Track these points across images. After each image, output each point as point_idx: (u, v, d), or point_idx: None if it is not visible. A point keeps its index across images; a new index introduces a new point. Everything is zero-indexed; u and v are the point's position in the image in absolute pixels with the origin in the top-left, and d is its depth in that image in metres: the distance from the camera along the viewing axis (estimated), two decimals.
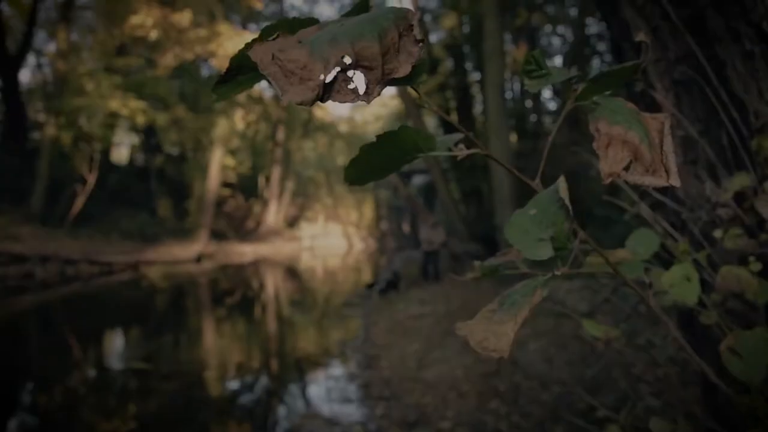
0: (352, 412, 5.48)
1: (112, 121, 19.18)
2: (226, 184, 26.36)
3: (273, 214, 28.84)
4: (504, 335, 0.58)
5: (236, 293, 14.83)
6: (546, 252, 0.62)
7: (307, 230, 31.50)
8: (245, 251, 24.49)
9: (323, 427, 5.10)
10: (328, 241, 31.28)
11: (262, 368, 7.62)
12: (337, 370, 7.16)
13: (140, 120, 19.12)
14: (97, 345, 8.83)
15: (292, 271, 21.06)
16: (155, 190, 23.68)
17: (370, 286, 11.70)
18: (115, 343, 9.20)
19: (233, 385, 6.84)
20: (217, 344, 9.12)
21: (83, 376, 6.93)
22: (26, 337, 9.26)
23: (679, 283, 1.00)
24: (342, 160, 33.43)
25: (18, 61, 19.00)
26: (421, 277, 13.73)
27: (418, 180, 37.07)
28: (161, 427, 5.35)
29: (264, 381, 7.05)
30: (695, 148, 1.74)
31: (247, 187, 30.62)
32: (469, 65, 19.75)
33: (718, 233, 1.39)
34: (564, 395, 5.10)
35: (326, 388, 6.46)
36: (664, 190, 1.85)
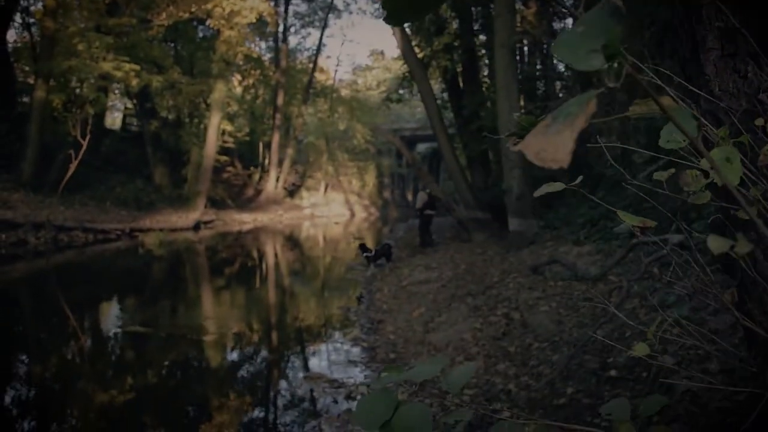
0: (356, 374, 5.35)
1: (104, 83, 18.46)
2: (224, 151, 25.74)
3: (273, 182, 28.25)
4: (562, 144, 0.55)
5: (236, 261, 14.47)
6: (598, 62, 0.57)
7: (307, 198, 30.96)
8: (245, 219, 24.04)
9: (328, 389, 4.90)
10: (330, 209, 30.77)
11: (264, 334, 7.36)
12: (341, 334, 6.96)
13: (134, 83, 18.39)
14: (94, 311, 8.49)
15: (293, 240, 20.69)
16: (151, 156, 23.07)
17: (362, 247, 11.41)
18: (114, 308, 8.80)
19: (236, 349, 6.59)
20: (218, 310, 8.78)
21: (81, 341, 6.61)
22: (24, 304, 8.94)
23: (721, 165, 0.95)
24: (343, 125, 32.69)
25: (4, 21, 18.19)
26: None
27: (421, 148, 36.45)
28: (163, 389, 5.16)
29: (266, 345, 6.81)
30: (735, 40, 1.67)
31: (246, 154, 29.99)
32: (476, 26, 18.90)
33: (759, 121, 1.30)
34: (575, 356, 4.85)
35: (330, 352, 6.29)
36: (698, 85, 1.75)
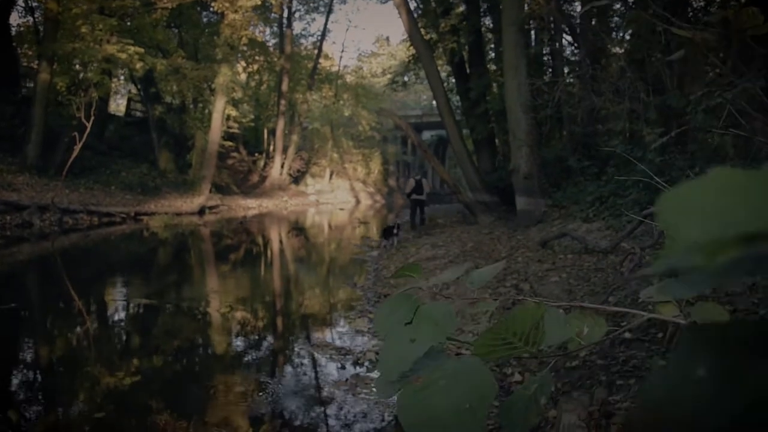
0: (363, 342, 5.29)
1: (108, 66, 18.36)
2: (229, 137, 25.61)
3: (277, 169, 28.12)
4: None
5: (243, 243, 14.43)
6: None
7: (312, 185, 30.84)
8: (249, 205, 23.98)
9: (335, 355, 4.87)
10: (335, 196, 30.66)
11: (271, 306, 7.34)
12: (348, 307, 6.89)
13: (138, 66, 18.26)
14: (100, 287, 8.41)
15: (299, 224, 20.62)
16: (155, 141, 22.98)
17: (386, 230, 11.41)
18: (120, 284, 8.71)
19: (243, 319, 6.53)
20: (225, 286, 8.73)
21: (88, 313, 6.55)
22: (30, 283, 8.90)
23: None
24: (348, 112, 32.48)
25: (7, 4, 18.06)
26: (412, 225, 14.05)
27: (426, 135, 36.23)
28: (171, 355, 5.14)
29: (274, 317, 6.78)
30: None
31: (250, 141, 29.89)
32: (483, 7, 18.64)
33: None
34: None
35: (337, 323, 6.27)
36: None
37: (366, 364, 4.67)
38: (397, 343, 0.92)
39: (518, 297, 1.04)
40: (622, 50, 13.52)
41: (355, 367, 4.60)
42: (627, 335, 4.18)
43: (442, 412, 0.74)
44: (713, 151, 8.60)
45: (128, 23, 19.12)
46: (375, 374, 4.49)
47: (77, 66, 18.76)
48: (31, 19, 20.30)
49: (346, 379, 4.34)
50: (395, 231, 11.01)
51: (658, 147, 8.13)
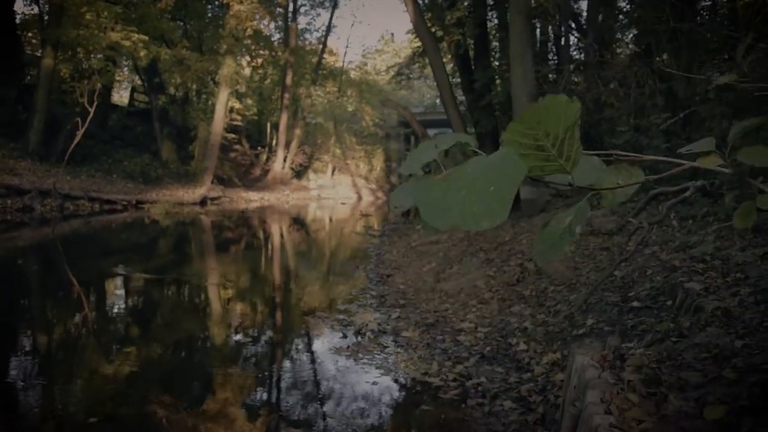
0: (366, 315, 5.24)
1: (112, 54, 18.31)
2: (232, 130, 25.53)
3: (280, 163, 28.03)
4: None
5: (246, 231, 14.43)
6: None
7: (314, 180, 30.74)
8: (251, 198, 23.91)
9: (337, 326, 4.85)
10: (337, 192, 30.55)
11: (274, 285, 7.31)
12: (350, 286, 6.84)
13: (142, 54, 18.20)
14: (103, 269, 8.33)
15: (301, 216, 20.57)
16: (158, 132, 22.92)
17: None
18: (122, 264, 8.64)
19: (248, 293, 6.49)
20: (232, 267, 8.70)
21: (91, 289, 6.49)
22: (31, 266, 8.83)
23: None
24: (352, 107, 32.37)
25: None
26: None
27: (429, 133, 36.14)
28: (175, 325, 5.12)
29: (277, 293, 6.74)
30: None
31: (253, 134, 29.84)
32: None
33: None
34: (594, 292, 4.71)
35: (340, 299, 6.22)
36: None
37: (367, 334, 4.61)
38: (421, 151, 0.87)
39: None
40: (629, 49, 13.44)
41: (356, 337, 4.58)
42: (635, 303, 4.09)
43: (467, 197, 0.66)
44: (721, 139, 8.52)
45: (133, 13, 19.05)
46: (375, 343, 4.42)
47: (81, 53, 18.70)
48: (36, 7, 20.26)
49: (348, 347, 4.29)
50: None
51: (663, 132, 8.05)
